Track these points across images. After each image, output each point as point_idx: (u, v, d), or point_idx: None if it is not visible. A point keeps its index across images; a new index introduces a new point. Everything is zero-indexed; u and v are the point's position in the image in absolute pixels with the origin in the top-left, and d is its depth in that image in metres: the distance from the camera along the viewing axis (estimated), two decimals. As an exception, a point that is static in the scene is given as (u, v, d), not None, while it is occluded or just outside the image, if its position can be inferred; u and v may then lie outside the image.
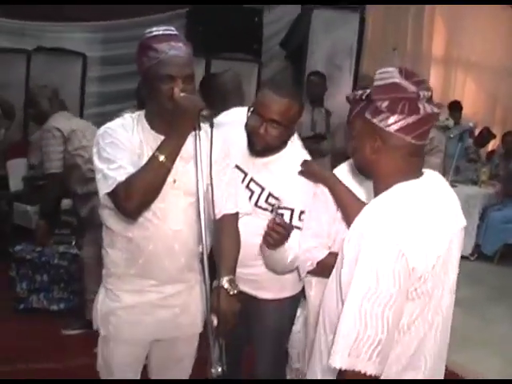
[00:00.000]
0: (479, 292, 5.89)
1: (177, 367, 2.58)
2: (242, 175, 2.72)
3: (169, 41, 2.22)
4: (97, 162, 2.24)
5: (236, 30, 7.10)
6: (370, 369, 1.59)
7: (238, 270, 2.46)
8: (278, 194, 2.68)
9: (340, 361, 1.60)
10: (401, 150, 1.74)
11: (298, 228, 2.59)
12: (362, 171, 1.97)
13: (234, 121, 2.79)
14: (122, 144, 2.24)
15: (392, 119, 1.71)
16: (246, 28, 7.33)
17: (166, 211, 2.31)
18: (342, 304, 1.67)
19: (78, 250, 4.86)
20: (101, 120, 4.65)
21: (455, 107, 8.33)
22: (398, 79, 1.73)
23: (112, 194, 2.17)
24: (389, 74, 1.75)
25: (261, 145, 2.65)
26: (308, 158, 2.75)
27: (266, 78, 7.53)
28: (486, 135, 8.44)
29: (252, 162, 2.72)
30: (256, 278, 2.78)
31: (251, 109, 2.65)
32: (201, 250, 2.35)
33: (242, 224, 2.57)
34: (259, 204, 2.71)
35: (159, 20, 6.44)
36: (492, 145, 9.23)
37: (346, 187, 2.49)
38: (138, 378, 2.52)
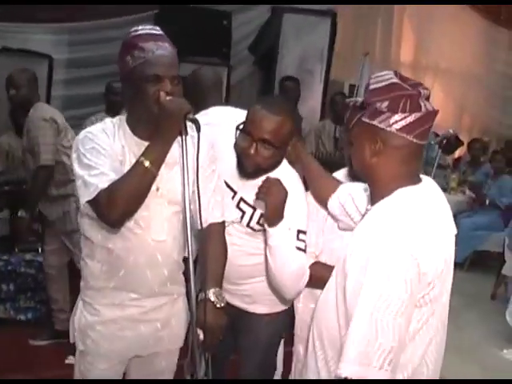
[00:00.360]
0: (450, 299, 5.87)
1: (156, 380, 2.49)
2: (232, 193, 2.56)
3: (155, 40, 2.12)
4: (77, 169, 2.13)
5: (205, 33, 6.99)
6: (381, 378, 1.55)
7: (230, 286, 2.37)
8: None
9: (350, 370, 1.56)
10: (402, 150, 1.72)
11: (297, 248, 2.44)
12: (359, 179, 1.94)
13: (219, 123, 2.63)
14: (104, 150, 2.13)
15: (393, 119, 1.69)
16: (215, 31, 7.23)
17: (149, 221, 2.22)
18: (346, 317, 1.63)
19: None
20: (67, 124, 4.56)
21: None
22: (396, 79, 1.72)
23: (93, 202, 2.07)
24: (386, 76, 1.73)
25: (251, 167, 2.46)
26: (297, 176, 2.61)
27: (235, 82, 7.49)
28: (454, 142, 8.46)
29: (242, 181, 2.54)
30: (249, 293, 2.68)
31: (240, 127, 2.46)
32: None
33: (234, 245, 2.47)
34: (251, 225, 2.57)
35: (127, 22, 6.32)
36: (459, 152, 9.30)
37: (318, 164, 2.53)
38: None
